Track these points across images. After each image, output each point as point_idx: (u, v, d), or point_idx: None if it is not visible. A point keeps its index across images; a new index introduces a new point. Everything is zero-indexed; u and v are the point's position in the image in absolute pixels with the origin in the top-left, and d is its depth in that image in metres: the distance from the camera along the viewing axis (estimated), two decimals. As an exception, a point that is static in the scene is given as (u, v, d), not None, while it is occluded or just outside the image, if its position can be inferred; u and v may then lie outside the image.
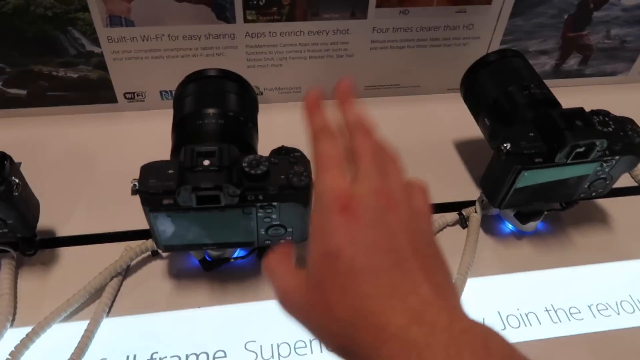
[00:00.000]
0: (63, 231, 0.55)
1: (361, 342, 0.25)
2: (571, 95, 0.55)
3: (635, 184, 0.63)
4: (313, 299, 0.27)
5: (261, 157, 0.43)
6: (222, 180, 0.40)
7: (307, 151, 0.46)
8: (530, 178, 0.49)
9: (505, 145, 0.48)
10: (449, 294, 0.27)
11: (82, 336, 0.47)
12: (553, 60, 0.74)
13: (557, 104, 0.54)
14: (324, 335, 0.27)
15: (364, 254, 0.26)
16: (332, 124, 0.32)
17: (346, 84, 0.34)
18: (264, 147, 0.50)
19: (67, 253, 0.53)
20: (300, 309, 0.28)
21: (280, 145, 0.50)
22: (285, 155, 0.45)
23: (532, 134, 0.49)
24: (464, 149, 0.67)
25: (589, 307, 0.52)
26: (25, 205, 0.47)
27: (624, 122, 0.50)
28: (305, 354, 0.47)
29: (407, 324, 0.24)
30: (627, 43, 0.74)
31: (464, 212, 0.57)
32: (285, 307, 0.29)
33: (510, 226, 0.57)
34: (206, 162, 0.41)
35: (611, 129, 0.48)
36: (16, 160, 0.61)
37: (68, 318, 0.48)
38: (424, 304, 0.25)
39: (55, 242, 0.54)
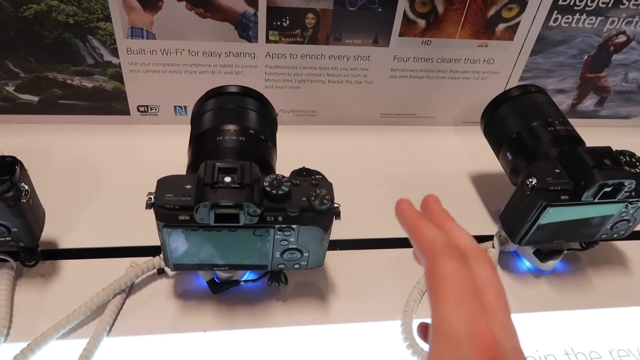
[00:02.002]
0: (66, 243, 0.53)
1: None
2: (586, 135, 0.55)
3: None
4: None
5: (283, 177, 0.42)
6: (243, 199, 0.39)
7: (326, 174, 0.45)
8: (554, 215, 0.48)
9: (530, 180, 0.47)
10: None
11: (80, 355, 0.44)
12: (570, 100, 0.74)
13: (582, 142, 0.53)
14: None
15: None
16: (454, 241, 0.28)
17: (436, 202, 0.31)
18: (279, 169, 0.49)
19: (69, 266, 0.51)
20: None
21: (299, 166, 0.49)
22: (307, 176, 0.44)
23: (557, 170, 0.48)
24: (480, 182, 0.66)
25: (610, 352, 0.50)
26: (32, 214, 0.45)
27: (651, 164, 0.49)
28: (314, 387, 0.45)
29: None
30: (644, 87, 0.74)
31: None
32: None
33: (528, 264, 0.56)
34: (227, 179, 0.39)
35: (638, 170, 0.47)
36: (24, 166, 0.60)
37: (66, 335, 0.46)
38: None
39: (57, 254, 0.52)
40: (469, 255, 0.27)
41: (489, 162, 0.60)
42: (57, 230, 0.53)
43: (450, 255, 0.26)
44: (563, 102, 0.74)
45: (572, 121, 0.56)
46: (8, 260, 0.49)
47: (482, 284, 0.26)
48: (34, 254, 0.49)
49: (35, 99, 0.64)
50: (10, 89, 0.62)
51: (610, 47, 0.69)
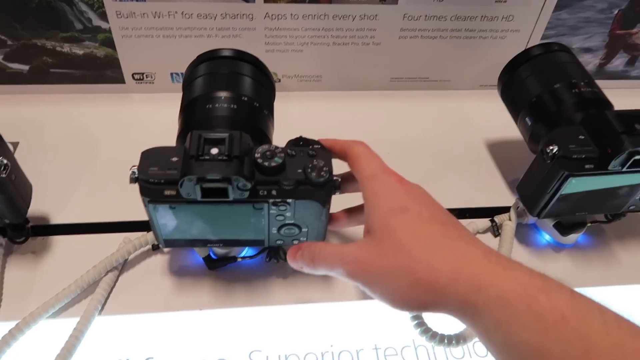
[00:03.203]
0: (57, 218, 0.51)
1: (441, 271, 0.28)
2: (615, 98, 0.50)
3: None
4: (385, 248, 0.30)
5: (276, 147, 0.38)
6: (230, 172, 0.35)
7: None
8: (577, 186, 0.44)
9: (551, 147, 0.43)
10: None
11: (71, 335, 0.42)
12: (597, 59, 0.69)
13: (610, 105, 0.48)
14: (400, 278, 0.29)
15: (427, 209, 0.32)
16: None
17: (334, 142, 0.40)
18: (280, 138, 0.46)
19: (60, 242, 0.49)
20: (371, 265, 0.30)
21: (297, 136, 0.45)
22: (303, 146, 0.40)
23: (582, 137, 0.43)
24: (498, 150, 0.62)
25: (635, 334, 0.46)
26: (15, 189, 0.43)
27: (687, 129, 0.44)
28: (315, 369, 0.42)
29: (484, 253, 0.28)
30: (680, 44, 0.68)
31: (497, 219, 0.52)
32: (355, 272, 0.31)
33: (547, 237, 0.52)
34: (214, 151, 0.36)
35: (673, 136, 0.42)
36: (13, 139, 0.57)
37: (56, 314, 0.44)
38: (485, 246, 0.29)
39: (48, 229, 0.50)
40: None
41: (507, 128, 0.56)
42: (48, 205, 0.51)
43: (359, 144, 0.37)
44: (590, 62, 0.69)
45: (600, 82, 0.52)
46: (-3, 237, 0.47)
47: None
48: (22, 230, 0.47)
49: (25, 67, 0.61)
50: (-1, 57, 0.60)
51: (643, -1, 0.63)
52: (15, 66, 0.61)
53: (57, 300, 0.44)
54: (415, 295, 0.29)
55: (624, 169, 0.42)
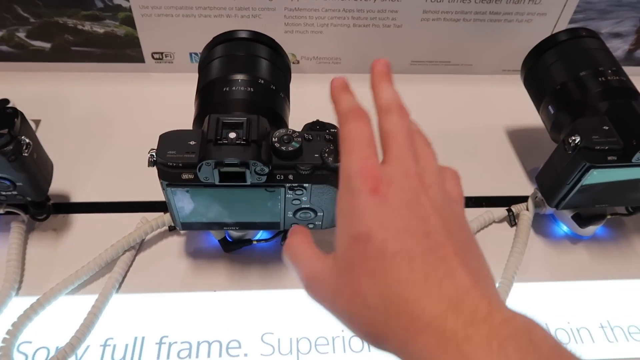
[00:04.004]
0: (78, 197, 0.52)
1: (393, 331, 0.24)
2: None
3: None
4: (342, 284, 0.26)
5: (293, 131, 0.38)
6: (249, 156, 0.35)
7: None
8: (598, 177, 0.43)
9: (573, 138, 0.42)
10: (487, 281, 0.25)
11: (89, 312, 0.43)
12: (627, 45, 0.66)
13: (638, 95, 0.47)
14: (353, 322, 0.26)
15: (395, 237, 0.25)
16: (361, 105, 0.30)
17: (383, 64, 0.32)
18: (296, 121, 0.45)
19: (80, 220, 0.50)
20: (328, 294, 0.27)
21: (314, 119, 0.45)
22: (320, 131, 0.40)
23: (606, 127, 0.42)
24: (518, 138, 0.61)
25: (651, 328, 0.46)
26: (37, 168, 0.43)
27: None
28: (327, 352, 0.43)
29: (443, 313, 0.22)
30: None
31: (514, 208, 0.52)
32: (312, 292, 0.28)
33: (565, 228, 0.51)
34: (232, 135, 0.36)
35: (703, 128, 0.41)
36: (35, 117, 0.58)
37: (76, 291, 0.45)
38: (460, 291, 0.23)
39: (68, 207, 0.51)
40: (381, 109, 0.30)
41: (529, 116, 0.55)
42: (68, 183, 0.52)
43: (352, 118, 0.29)
44: (618, 48, 0.67)
45: (629, 70, 0.50)
46: (19, 214, 0.48)
47: (385, 133, 0.28)
48: (43, 207, 0.48)
49: (47, 45, 0.61)
50: (22, 35, 0.60)
51: (678, -17, 0.60)
52: (38, 44, 0.61)
53: (76, 277, 0.45)
54: (365, 334, 0.26)
55: (649, 162, 0.41)
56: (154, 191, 0.50)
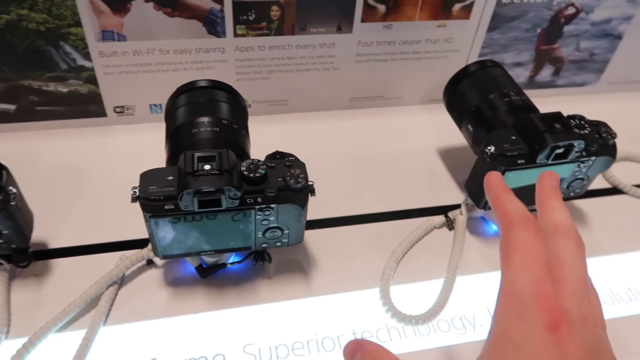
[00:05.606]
0: (56, 243, 0.55)
1: None
2: (545, 104, 0.58)
3: (608, 186, 0.67)
4: None
5: (259, 161, 0.45)
6: (223, 183, 0.41)
7: (302, 158, 0.48)
8: (513, 179, 0.51)
9: (489, 148, 0.51)
10: None
11: (80, 344, 0.46)
12: (528, 72, 0.78)
13: (536, 110, 0.57)
14: None
15: None
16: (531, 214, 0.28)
17: (552, 178, 0.31)
18: (256, 155, 0.51)
19: (60, 264, 0.53)
20: None
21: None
22: (281, 159, 0.46)
23: (514, 137, 0.51)
24: (448, 156, 0.70)
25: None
26: (21, 216, 0.47)
27: (599, 125, 0.53)
28: (303, 355, 0.48)
29: None
30: (596, 55, 0.79)
31: (450, 214, 0.60)
32: None
33: (494, 227, 0.60)
34: (207, 167, 0.42)
35: (587, 132, 0.51)
36: (6, 174, 0.61)
37: (64, 327, 0.48)
38: None
39: (48, 254, 0.54)
40: (557, 230, 0.28)
41: (455, 136, 0.64)
42: (46, 231, 0.55)
43: (525, 226, 0.27)
44: (521, 75, 0.78)
45: (532, 92, 0.60)
46: (2, 263, 0.51)
47: (560, 258, 0.26)
48: (25, 254, 0.51)
49: (12, 107, 0.65)
50: (-14, 99, 0.64)
51: (561, 19, 0.73)
52: (2, 106, 0.65)
53: (64, 314, 0.48)
54: None
55: (549, 162, 0.50)
56: (128, 231, 0.55)
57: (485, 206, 0.54)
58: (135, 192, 0.43)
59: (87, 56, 0.62)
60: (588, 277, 0.27)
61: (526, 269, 0.25)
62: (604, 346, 0.25)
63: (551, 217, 0.29)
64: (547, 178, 0.31)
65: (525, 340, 0.23)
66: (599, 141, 0.52)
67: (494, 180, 0.32)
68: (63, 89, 0.65)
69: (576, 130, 0.51)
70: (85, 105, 0.67)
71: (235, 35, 0.64)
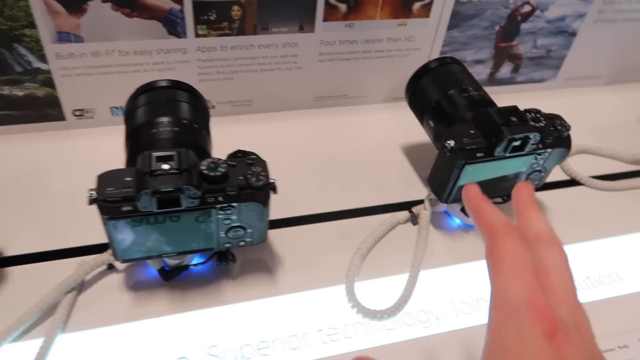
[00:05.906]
0: (12, 251, 0.53)
1: None
2: (505, 101, 0.58)
3: (566, 178, 0.69)
4: None
5: (219, 159, 0.44)
6: (182, 182, 0.41)
7: (266, 158, 0.47)
8: (473, 172, 0.52)
9: (448, 142, 0.51)
10: None
11: (37, 353, 0.45)
12: (488, 69, 0.80)
13: (494, 105, 0.58)
14: None
15: None
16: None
17: (527, 189, 0.32)
18: (218, 156, 0.51)
19: (17, 272, 0.52)
20: None
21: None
22: (242, 157, 0.46)
23: (472, 131, 0.52)
24: (411, 152, 0.71)
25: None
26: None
27: (554, 118, 0.54)
28: (268, 354, 0.47)
29: None
30: (552, 52, 0.81)
31: (414, 210, 0.60)
32: None
33: (457, 221, 0.61)
34: (165, 166, 0.41)
35: (543, 124, 0.52)
36: (-41, 180, 0.59)
37: (20, 337, 0.47)
38: None
39: (4, 261, 0.52)
40: (539, 240, 0.28)
41: (418, 133, 0.65)
42: (1, 239, 0.54)
43: (510, 234, 0.27)
44: (482, 72, 0.80)
45: (492, 89, 0.61)
46: (-47, 273, 0.49)
47: (546, 267, 0.26)
48: (-21, 263, 0.50)
49: (-36, 112, 0.63)
50: (-63, 104, 0.62)
51: (517, 17, 0.75)
52: (-46, 111, 0.63)
53: (20, 322, 0.46)
54: None
55: (507, 154, 0.51)
56: (87, 236, 0.54)
57: (447, 200, 0.55)
58: (92, 194, 0.42)
59: (42, 58, 0.61)
60: (575, 285, 0.28)
61: (517, 277, 0.25)
62: (600, 355, 0.25)
63: (532, 226, 0.29)
64: (522, 188, 0.32)
65: (523, 350, 0.23)
66: (554, 133, 0.53)
67: (472, 192, 0.32)
68: (19, 92, 0.63)
69: (532, 123, 0.52)
70: (43, 109, 0.65)
71: (197, 35, 0.64)
